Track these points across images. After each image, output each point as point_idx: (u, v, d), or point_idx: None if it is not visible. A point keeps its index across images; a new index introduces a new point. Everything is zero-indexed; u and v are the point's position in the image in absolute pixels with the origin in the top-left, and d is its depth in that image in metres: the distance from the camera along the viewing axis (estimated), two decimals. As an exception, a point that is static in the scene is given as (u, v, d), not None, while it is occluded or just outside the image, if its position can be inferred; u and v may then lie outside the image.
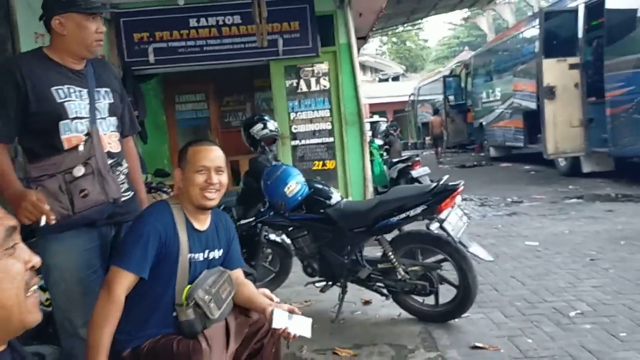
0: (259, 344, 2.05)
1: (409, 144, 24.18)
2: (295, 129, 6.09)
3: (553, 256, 4.70)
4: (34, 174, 1.93)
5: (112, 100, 2.15)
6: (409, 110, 26.40)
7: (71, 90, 2.01)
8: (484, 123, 14.56)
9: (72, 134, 1.99)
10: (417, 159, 8.05)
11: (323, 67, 6.07)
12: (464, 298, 3.25)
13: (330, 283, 3.54)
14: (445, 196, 3.14)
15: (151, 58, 5.69)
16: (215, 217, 2.09)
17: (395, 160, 8.48)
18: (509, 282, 4.06)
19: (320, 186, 3.59)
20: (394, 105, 27.72)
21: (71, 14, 1.97)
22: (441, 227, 3.14)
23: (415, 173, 7.67)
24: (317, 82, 6.08)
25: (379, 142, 9.48)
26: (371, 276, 3.41)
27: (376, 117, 11.58)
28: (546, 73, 8.92)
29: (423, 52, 46.86)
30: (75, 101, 2.01)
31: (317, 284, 3.61)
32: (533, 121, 10.26)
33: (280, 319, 1.92)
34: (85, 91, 2.05)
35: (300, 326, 1.96)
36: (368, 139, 6.36)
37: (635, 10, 7.66)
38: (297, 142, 6.09)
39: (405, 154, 8.85)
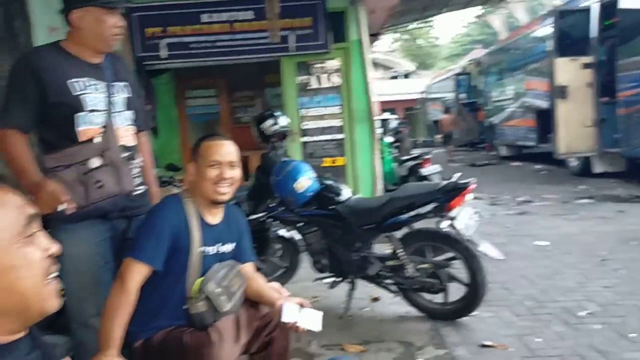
0: (268, 337, 2.06)
1: (419, 141, 24.09)
2: (305, 125, 6.09)
3: (563, 256, 4.67)
4: (49, 164, 1.97)
5: (128, 95, 2.18)
6: (420, 108, 26.29)
7: (88, 84, 2.03)
8: (495, 122, 14.47)
9: (88, 126, 2.01)
10: (427, 156, 8.02)
11: (334, 63, 6.07)
12: (474, 296, 3.25)
13: (339, 279, 3.55)
14: (456, 194, 3.14)
15: (163, 53, 5.72)
16: (227, 211, 2.10)
17: (405, 158, 8.45)
18: (519, 281, 4.05)
19: (330, 182, 3.59)
20: (405, 102, 27.60)
21: (90, 7, 2.00)
22: (451, 225, 3.14)
23: (425, 171, 7.63)
24: (328, 78, 6.08)
25: (389, 139, 9.45)
26: (380, 273, 3.41)
27: (386, 115, 11.54)
28: (559, 72, 8.86)
29: (434, 50, 46.64)
30: (92, 94, 2.03)
31: (325, 280, 3.61)
32: (545, 120, 10.18)
33: (291, 313, 1.93)
34: (102, 84, 2.07)
35: (311, 320, 1.96)
36: (378, 137, 6.36)
37: (650, 10, 7.60)
38: (306, 139, 6.10)
39: (415, 152, 8.82)
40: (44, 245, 0.93)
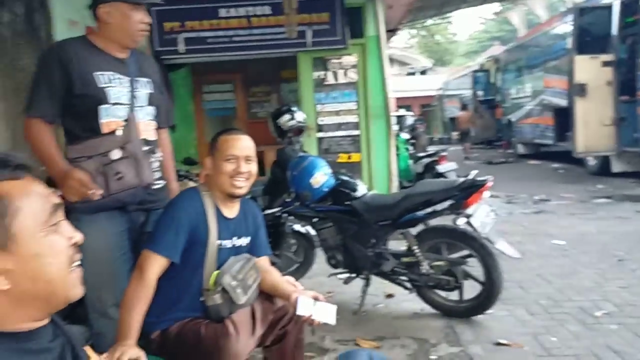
0: (283, 330, 2.08)
1: (435, 139, 23.95)
2: (321, 121, 6.10)
3: (580, 255, 4.63)
4: (72, 155, 2.01)
5: (151, 91, 2.21)
6: (436, 104, 26.14)
7: (113, 77, 2.07)
8: (512, 119, 14.34)
9: (111, 118, 2.05)
10: (443, 153, 7.99)
11: (351, 59, 6.06)
12: (489, 294, 3.23)
13: (353, 275, 3.55)
14: (472, 191, 3.13)
15: (181, 47, 5.75)
16: (244, 205, 2.12)
17: (421, 154, 8.42)
18: (535, 280, 4.02)
19: (346, 178, 3.59)
20: (421, 99, 27.46)
21: (117, 3, 2.04)
22: (468, 223, 3.12)
23: (441, 168, 7.60)
24: (345, 74, 6.08)
25: (405, 136, 9.42)
26: (395, 269, 3.40)
27: (402, 111, 11.50)
28: (578, 70, 8.76)
29: (452, 46, 46.29)
30: (116, 87, 2.07)
31: (340, 276, 3.62)
32: (563, 118, 10.08)
33: (305, 306, 1.94)
34: (126, 79, 2.11)
35: (325, 313, 1.97)
36: (394, 133, 6.34)
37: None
38: (322, 135, 6.10)
39: (431, 149, 8.78)
40: (68, 234, 0.96)
